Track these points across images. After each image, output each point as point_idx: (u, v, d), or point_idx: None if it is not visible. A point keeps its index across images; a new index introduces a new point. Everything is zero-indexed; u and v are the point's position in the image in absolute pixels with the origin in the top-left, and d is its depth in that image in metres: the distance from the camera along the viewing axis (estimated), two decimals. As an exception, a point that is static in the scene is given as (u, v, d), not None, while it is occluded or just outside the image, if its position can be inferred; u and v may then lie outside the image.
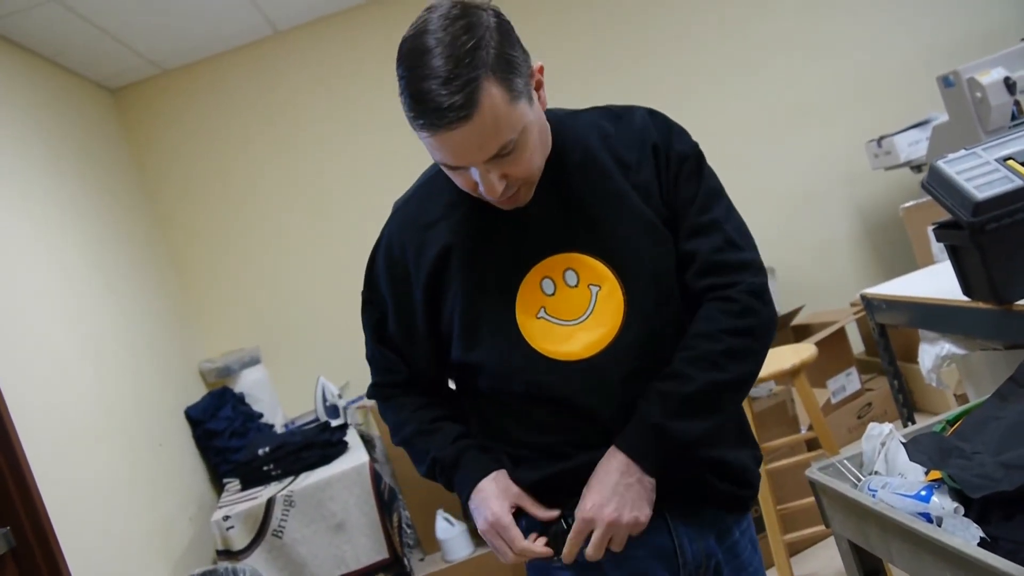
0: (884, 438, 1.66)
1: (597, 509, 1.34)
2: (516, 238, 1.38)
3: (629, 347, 1.36)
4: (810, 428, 3.46)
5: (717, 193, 1.44)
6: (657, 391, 1.35)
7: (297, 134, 4.89)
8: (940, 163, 1.99)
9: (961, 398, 2.86)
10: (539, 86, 1.32)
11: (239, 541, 3.25)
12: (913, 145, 4.53)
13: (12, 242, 2.92)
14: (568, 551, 1.38)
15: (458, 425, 1.50)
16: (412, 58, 1.21)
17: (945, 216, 2.07)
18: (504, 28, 1.26)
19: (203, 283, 4.88)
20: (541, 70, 1.32)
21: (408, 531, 3.60)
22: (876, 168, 4.81)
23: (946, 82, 3.86)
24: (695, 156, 1.44)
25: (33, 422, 2.57)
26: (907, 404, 2.64)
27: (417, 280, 1.42)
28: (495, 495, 1.41)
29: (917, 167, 4.60)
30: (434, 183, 1.45)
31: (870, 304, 2.57)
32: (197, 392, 4.36)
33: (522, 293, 1.37)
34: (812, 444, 3.51)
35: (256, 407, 4.34)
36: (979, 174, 1.94)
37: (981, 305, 2.02)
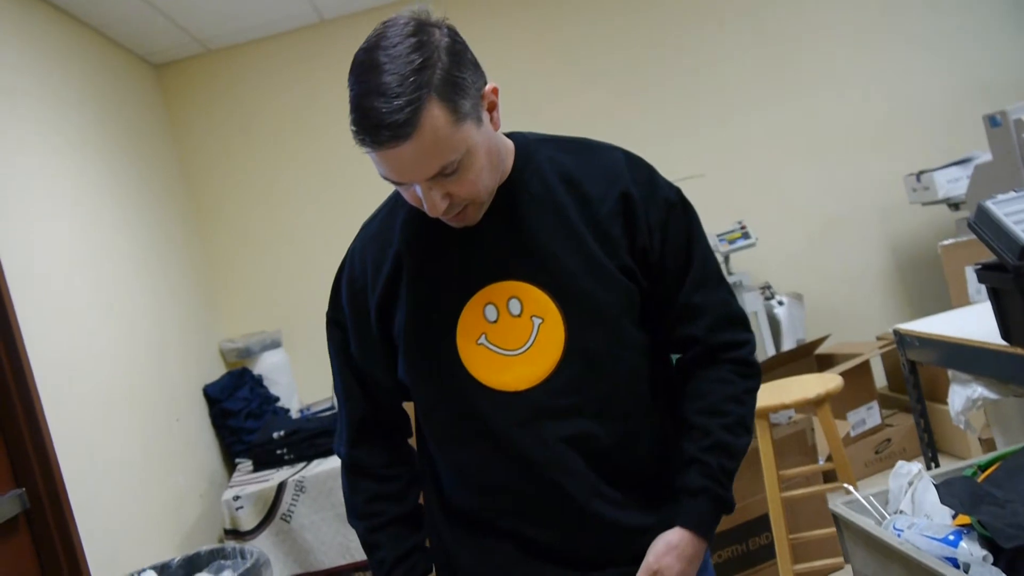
0: (912, 477, 1.64)
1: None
2: (465, 260, 1.37)
3: (566, 384, 1.34)
4: (828, 459, 3.42)
5: (706, 241, 1.45)
6: (710, 468, 1.37)
7: (334, 123, 4.88)
8: (989, 203, 1.96)
9: (987, 442, 2.82)
10: (492, 107, 1.31)
11: (247, 522, 3.26)
12: (953, 182, 4.49)
13: (47, 204, 2.94)
14: None
15: (400, 534, 1.49)
16: (361, 72, 1.21)
17: (988, 257, 2.05)
18: (455, 48, 1.24)
19: (230, 263, 4.90)
20: (496, 92, 1.31)
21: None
22: (913, 202, 4.77)
23: (992, 121, 3.82)
24: (681, 203, 1.42)
25: (55, 387, 2.58)
26: (931, 444, 2.61)
27: (372, 294, 1.42)
28: None
29: (955, 205, 4.55)
30: (398, 199, 1.44)
31: (903, 340, 2.54)
32: (216, 371, 4.38)
33: (464, 317, 1.36)
34: (828, 476, 3.48)
35: (273, 390, 4.35)
36: (1028, 218, 1.91)
37: (1019, 351, 1.99)
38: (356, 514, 1.52)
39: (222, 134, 4.89)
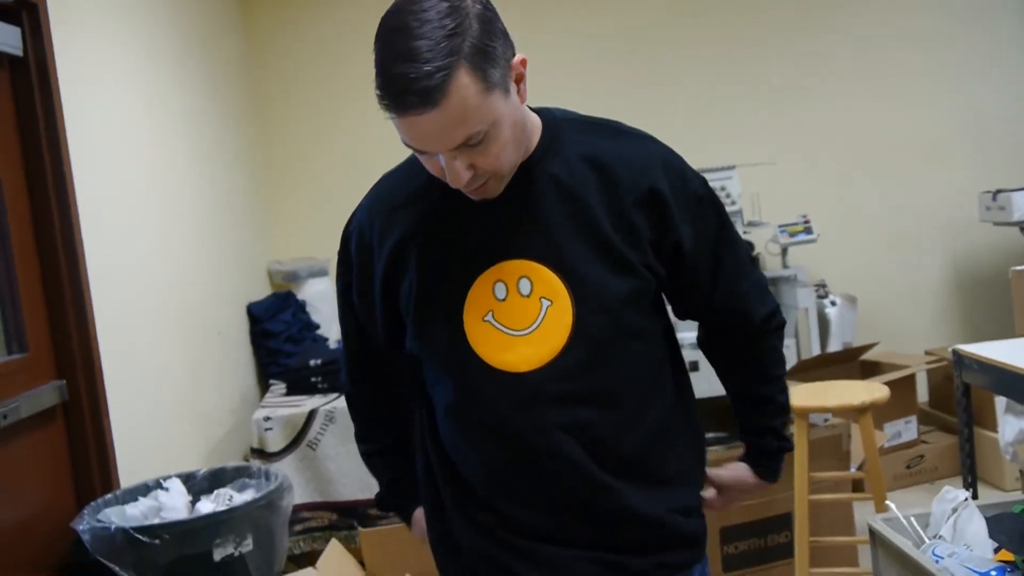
0: (958, 504, 1.60)
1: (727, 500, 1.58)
2: (478, 236, 1.35)
3: (567, 370, 1.32)
4: (860, 467, 3.38)
5: (734, 227, 1.49)
6: (775, 430, 1.55)
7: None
8: (1079, 236, 1.88)
9: (1027, 476, 2.76)
10: (520, 79, 1.27)
11: (274, 444, 3.30)
12: (1031, 205, 4.36)
13: (120, 100, 2.94)
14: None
15: (392, 462, 1.63)
16: (389, 35, 1.18)
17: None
18: (487, 16, 1.21)
19: (289, 184, 4.91)
20: (524, 63, 1.27)
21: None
22: (984, 221, 4.64)
23: (1084, 149, 3.69)
24: (708, 195, 1.43)
25: (105, 283, 2.60)
26: (972, 470, 2.55)
27: (379, 260, 1.41)
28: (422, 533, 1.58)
29: (1029, 229, 4.43)
30: (414, 163, 1.40)
31: (961, 360, 2.48)
32: (262, 291, 4.42)
33: (473, 293, 1.34)
34: (857, 484, 3.43)
35: (315, 317, 4.38)
36: (1118, 256, 1.84)
37: (1085, 390, 1.93)
38: (357, 436, 1.67)
39: (298, 55, 4.87)
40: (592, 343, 1.32)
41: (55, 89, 2.43)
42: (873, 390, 2.90)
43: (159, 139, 3.26)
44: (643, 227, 1.34)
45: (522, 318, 1.32)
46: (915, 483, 4.14)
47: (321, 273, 4.57)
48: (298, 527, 3.32)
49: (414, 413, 1.54)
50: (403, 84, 1.14)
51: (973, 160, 4.97)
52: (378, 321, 1.47)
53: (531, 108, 1.37)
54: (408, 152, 1.31)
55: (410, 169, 1.42)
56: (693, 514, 1.45)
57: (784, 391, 1.55)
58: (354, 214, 1.49)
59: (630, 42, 4.91)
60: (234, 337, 3.93)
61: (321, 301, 4.49)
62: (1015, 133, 4.99)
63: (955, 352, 2.51)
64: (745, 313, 1.47)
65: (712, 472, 1.57)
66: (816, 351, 4.38)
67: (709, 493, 1.56)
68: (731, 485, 1.57)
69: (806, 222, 4.44)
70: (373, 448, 1.64)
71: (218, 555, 2.22)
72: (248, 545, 2.26)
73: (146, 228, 3.02)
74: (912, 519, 1.59)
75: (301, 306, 4.37)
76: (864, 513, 3.07)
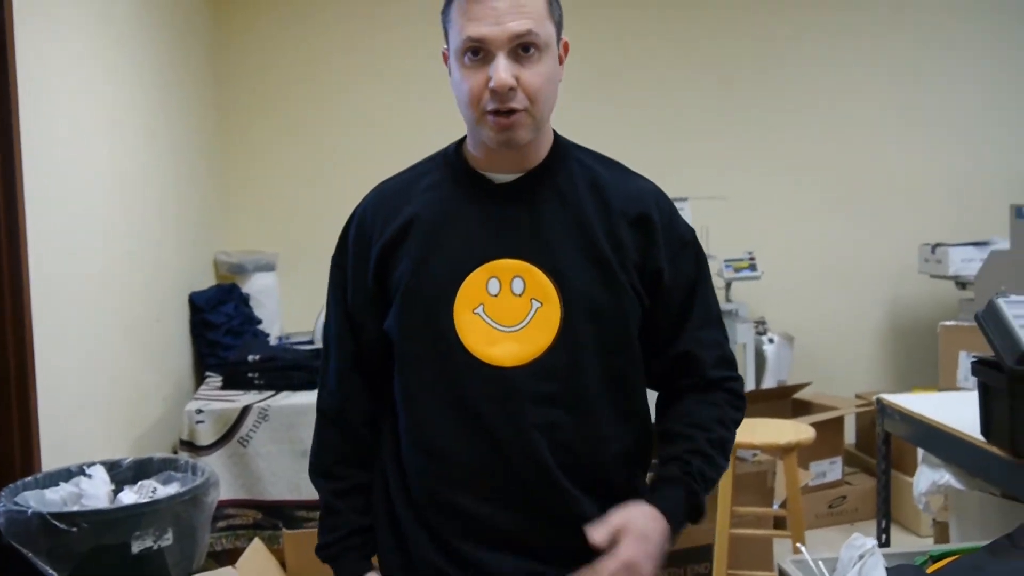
0: (864, 552, 1.65)
1: (641, 561, 1.30)
2: (479, 231, 1.40)
3: (549, 370, 1.37)
4: (783, 505, 3.45)
5: (711, 283, 1.52)
6: (691, 466, 1.39)
7: (379, 58, 4.88)
8: (1001, 302, 1.96)
9: (940, 525, 2.84)
10: (561, 59, 1.40)
11: (205, 437, 3.26)
12: (966, 262, 4.51)
13: (72, 78, 2.90)
14: None
15: (358, 507, 1.50)
16: None
17: (986, 350, 2.05)
18: None
19: (244, 175, 4.88)
20: (566, 46, 1.41)
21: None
22: (922, 272, 4.78)
23: (1019, 213, 3.83)
24: (694, 243, 1.48)
25: (44, 262, 2.54)
26: (887, 515, 2.63)
27: (376, 242, 1.45)
28: None
29: (963, 284, 4.57)
30: (418, 170, 1.49)
31: (884, 410, 2.55)
32: (206, 280, 4.37)
33: (467, 284, 1.39)
34: (779, 521, 3.50)
35: (258, 312, 4.35)
36: (1036, 324, 1.92)
37: (995, 450, 2.00)
38: (320, 472, 1.53)
39: (267, 44, 4.86)
40: (575, 348, 1.37)
41: (11, 65, 2.40)
42: (800, 431, 2.97)
43: (113, 120, 3.22)
44: (631, 248, 1.41)
45: (512, 315, 1.37)
46: (836, 523, 4.24)
47: (268, 268, 4.54)
48: (222, 524, 3.29)
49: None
50: None
51: (917, 211, 5.11)
52: (370, 312, 1.46)
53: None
54: (385, 163, 1.38)
55: (413, 176, 1.49)
56: None
57: (714, 447, 1.42)
58: (358, 206, 1.52)
59: (587, 63, 4.94)
60: (173, 325, 3.88)
61: (265, 296, 4.46)
62: (960, 189, 5.15)
63: (879, 401, 2.59)
64: (701, 364, 1.46)
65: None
66: (751, 387, 4.46)
67: (598, 536, 1.30)
68: (619, 525, 1.31)
69: (751, 259, 4.53)
70: (341, 487, 1.50)
71: (136, 547, 2.19)
72: (168, 539, 2.24)
73: (92, 208, 2.98)
74: (820, 563, 1.64)
75: (245, 299, 4.34)
76: (783, 550, 3.14)
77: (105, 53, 3.17)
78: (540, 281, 1.38)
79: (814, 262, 5.10)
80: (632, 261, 1.41)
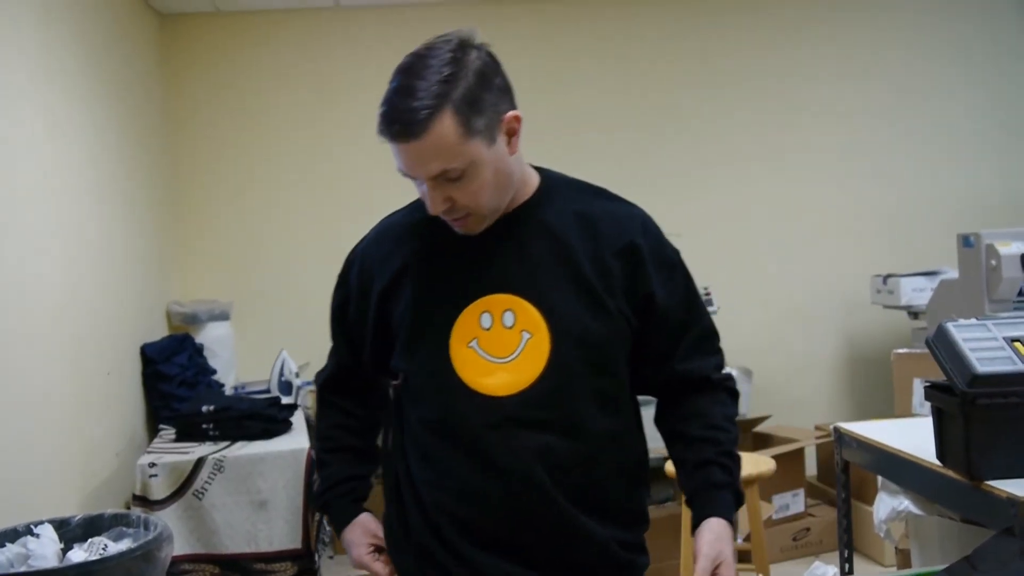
0: (826, 580, 1.64)
1: (728, 563, 1.45)
2: (470, 269, 1.49)
3: (540, 397, 1.44)
4: (747, 539, 3.44)
5: (700, 297, 1.62)
6: (723, 464, 1.52)
7: (325, 108, 4.88)
8: (950, 326, 1.99)
9: (903, 553, 2.85)
10: (512, 133, 1.43)
11: (158, 492, 3.19)
12: (917, 291, 4.57)
13: (18, 124, 2.86)
14: None
15: (348, 461, 1.70)
16: (398, 73, 1.37)
17: (939, 375, 2.07)
18: (485, 72, 1.38)
19: (195, 225, 4.83)
20: (518, 119, 1.42)
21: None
22: (875, 303, 4.84)
23: (966, 242, 3.90)
24: (680, 264, 1.58)
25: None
26: (849, 544, 2.62)
27: (378, 281, 1.56)
28: (357, 535, 1.64)
29: (915, 313, 4.63)
30: (413, 210, 1.59)
31: (841, 438, 2.56)
32: (159, 331, 4.30)
33: (461, 320, 1.47)
34: (743, 555, 3.48)
35: (213, 362, 4.28)
36: (984, 347, 1.94)
37: (951, 474, 2.01)
38: (317, 433, 1.74)
39: (215, 96, 4.84)
40: (564, 375, 1.45)
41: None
42: (760, 464, 2.97)
43: (62, 167, 3.18)
44: (619, 275, 1.49)
45: (504, 347, 1.46)
46: (802, 555, 4.23)
47: (222, 317, 4.48)
48: (178, 579, 3.20)
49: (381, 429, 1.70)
50: (394, 115, 1.35)
51: (868, 244, 5.19)
52: (368, 341, 1.61)
53: (533, 167, 1.56)
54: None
55: (411, 210, 1.60)
56: (633, 551, 1.56)
57: (734, 445, 1.57)
58: (359, 243, 1.65)
59: (544, 98, 4.98)
60: (125, 378, 3.81)
61: (220, 345, 4.40)
62: (908, 221, 5.24)
63: (836, 430, 2.60)
64: (702, 373, 1.58)
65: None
66: (711, 421, 4.46)
67: (700, 573, 1.44)
68: (700, 546, 1.46)
69: (707, 294, 4.56)
70: (331, 445, 1.70)
71: (87, 607, 2.12)
72: (120, 597, 2.17)
73: (40, 257, 2.93)
74: (782, 594, 1.63)
75: (199, 349, 4.28)
76: (748, 584, 3.12)
77: (53, 107, 3.13)
78: (529, 313, 1.46)
79: (769, 296, 5.15)
80: (620, 287, 1.49)
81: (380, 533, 1.63)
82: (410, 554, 1.55)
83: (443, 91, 1.33)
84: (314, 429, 1.77)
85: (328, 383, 1.74)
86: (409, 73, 1.35)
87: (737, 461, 1.56)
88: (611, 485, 1.51)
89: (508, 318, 1.46)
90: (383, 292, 1.55)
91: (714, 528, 1.48)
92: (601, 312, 1.47)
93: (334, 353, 1.73)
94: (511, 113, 1.41)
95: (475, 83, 1.36)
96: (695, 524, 1.50)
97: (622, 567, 1.53)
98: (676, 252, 1.58)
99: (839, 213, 5.22)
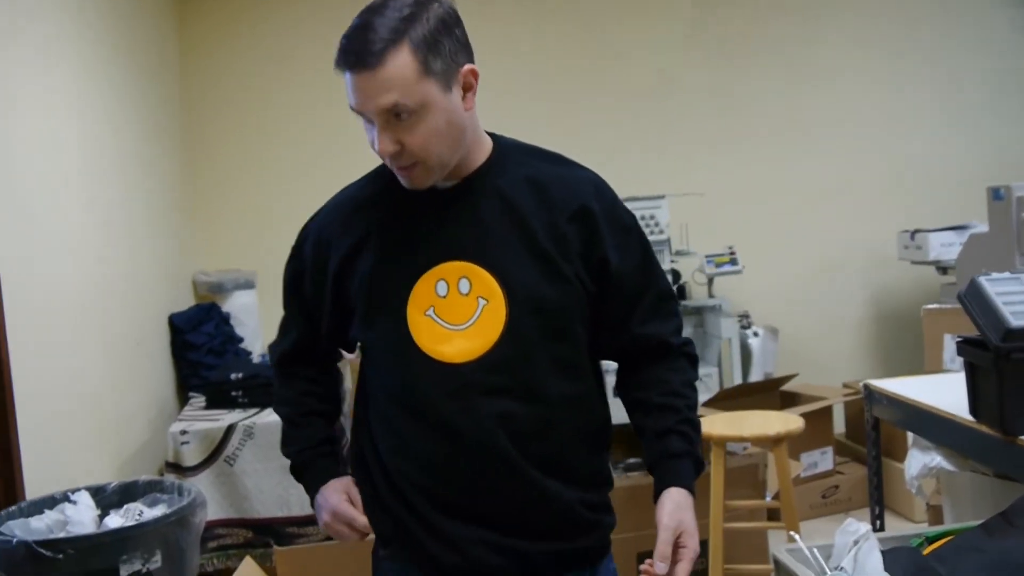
0: (859, 537, 1.63)
1: (689, 532, 1.43)
2: (425, 238, 1.48)
3: (497, 363, 1.44)
4: (776, 497, 3.44)
5: (657, 260, 1.61)
6: (683, 432, 1.50)
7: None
8: (982, 280, 1.96)
9: (934, 509, 2.84)
10: (467, 87, 1.42)
11: (190, 458, 3.23)
12: (946, 246, 4.52)
13: (42, 100, 2.87)
14: (662, 559, 1.40)
15: (322, 425, 1.68)
16: (365, 9, 1.39)
17: (970, 329, 2.05)
18: (446, 20, 1.38)
19: (218, 194, 4.85)
20: (475, 74, 1.42)
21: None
22: (903, 259, 4.79)
23: (996, 194, 3.84)
24: (635, 227, 1.56)
25: (19, 286, 2.51)
26: (880, 502, 2.62)
27: (336, 253, 1.55)
28: (332, 491, 1.59)
29: (944, 268, 4.58)
30: (364, 183, 1.60)
31: (871, 395, 2.55)
32: (186, 301, 4.33)
33: (417, 289, 1.47)
34: (773, 513, 3.49)
35: (239, 330, 4.31)
36: (1018, 301, 1.92)
37: (985, 429, 2.00)
38: (285, 400, 1.68)
39: (235, 68, 4.83)
40: (520, 341, 1.44)
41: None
42: (788, 421, 2.96)
43: (85, 142, 3.19)
44: (573, 239, 1.47)
45: (460, 314, 1.45)
46: (830, 513, 4.23)
47: (247, 286, 4.50)
48: (212, 544, 3.25)
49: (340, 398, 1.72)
50: (351, 46, 1.36)
51: (894, 200, 5.14)
52: (325, 312, 1.59)
53: (488, 133, 1.53)
54: (353, 169, 1.46)
55: (368, 180, 1.59)
56: (599, 511, 1.55)
57: (693, 411, 1.55)
58: (315, 215, 1.65)
59: (564, 61, 4.95)
60: (154, 348, 3.84)
61: (246, 314, 4.42)
62: (935, 176, 5.17)
63: (866, 387, 2.58)
64: (660, 338, 1.56)
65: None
66: (738, 380, 4.46)
67: (661, 545, 1.40)
68: (661, 517, 1.43)
69: (732, 253, 4.53)
70: (304, 410, 1.67)
71: (125, 571, 2.16)
72: (157, 562, 2.21)
73: (67, 231, 2.95)
74: (815, 550, 1.63)
75: (225, 318, 4.30)
76: (778, 542, 3.13)
77: (74, 76, 3.14)
78: (484, 279, 1.45)
79: (795, 254, 5.12)
80: (576, 251, 1.47)
81: (357, 495, 1.59)
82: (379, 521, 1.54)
83: (402, 27, 1.34)
84: (276, 396, 1.70)
85: (286, 357, 1.70)
86: (373, 11, 1.37)
87: (697, 428, 1.55)
88: (573, 449, 1.51)
89: (464, 285, 1.46)
90: (340, 264, 1.54)
91: (674, 497, 1.47)
92: (557, 278, 1.46)
93: (291, 327, 1.69)
94: (469, 66, 1.40)
95: (435, 27, 1.36)
96: (656, 494, 1.49)
97: (590, 527, 1.54)
98: (631, 215, 1.56)
99: (865, 169, 5.16)
